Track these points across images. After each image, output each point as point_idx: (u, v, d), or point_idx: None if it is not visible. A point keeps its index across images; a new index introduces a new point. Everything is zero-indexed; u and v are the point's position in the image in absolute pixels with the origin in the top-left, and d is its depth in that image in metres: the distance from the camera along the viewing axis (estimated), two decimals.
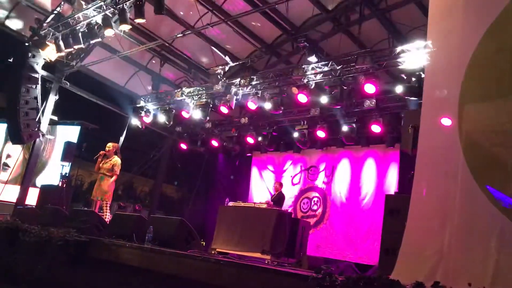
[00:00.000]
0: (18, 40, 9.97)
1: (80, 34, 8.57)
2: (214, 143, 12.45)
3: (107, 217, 8.22)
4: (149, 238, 5.88)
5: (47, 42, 9.27)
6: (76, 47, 8.85)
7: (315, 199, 11.43)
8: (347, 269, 9.61)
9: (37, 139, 10.24)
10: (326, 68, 8.53)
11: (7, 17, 10.04)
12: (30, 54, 9.30)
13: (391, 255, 4.45)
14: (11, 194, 11.16)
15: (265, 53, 10.41)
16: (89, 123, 12.13)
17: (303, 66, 8.83)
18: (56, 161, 11.31)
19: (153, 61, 11.49)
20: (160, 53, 11.10)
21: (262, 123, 11.51)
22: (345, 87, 8.56)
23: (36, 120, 9.66)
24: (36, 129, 9.71)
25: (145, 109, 11.54)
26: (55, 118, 11.62)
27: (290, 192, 11.75)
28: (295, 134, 10.85)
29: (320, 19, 9.23)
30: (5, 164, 12.39)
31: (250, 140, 11.63)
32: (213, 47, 10.23)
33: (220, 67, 10.07)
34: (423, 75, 6.04)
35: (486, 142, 3.87)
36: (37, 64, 9.45)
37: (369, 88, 8.13)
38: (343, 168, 11.14)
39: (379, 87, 8.14)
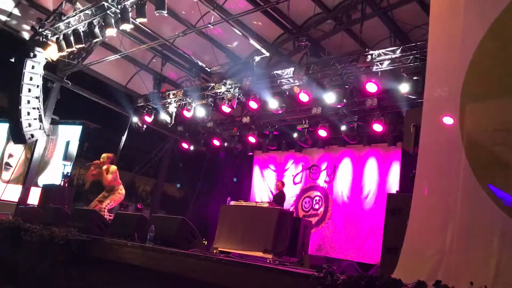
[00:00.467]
0: (20, 40, 9.99)
1: (81, 34, 8.58)
2: (216, 142, 12.46)
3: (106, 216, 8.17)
4: (151, 238, 5.88)
5: (48, 42, 9.29)
6: (77, 46, 8.86)
7: (317, 198, 11.42)
8: (349, 268, 9.61)
9: (39, 139, 10.25)
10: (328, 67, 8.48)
11: (9, 16, 10.06)
12: (31, 53, 9.30)
13: (393, 254, 4.44)
14: (13, 193, 11.19)
15: (267, 52, 10.39)
16: (91, 122, 12.14)
17: (304, 65, 8.82)
18: (58, 160, 11.33)
19: (154, 60, 11.49)
20: (162, 52, 11.10)
21: (263, 122, 11.51)
22: (346, 86, 8.55)
23: (38, 119, 9.67)
24: (38, 128, 9.71)
25: (146, 109, 11.54)
26: (57, 117, 11.65)
27: (291, 191, 11.76)
28: (297, 133, 10.85)
29: (322, 18, 9.22)
30: (7, 164, 12.42)
31: (251, 139, 11.63)
32: (215, 46, 10.24)
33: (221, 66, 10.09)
34: (424, 74, 6.02)
35: (488, 141, 3.86)
36: (38, 64, 9.45)
37: (371, 87, 8.12)
38: (345, 167, 11.13)
39: (380, 86, 8.14)
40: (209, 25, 8.83)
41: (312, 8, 8.94)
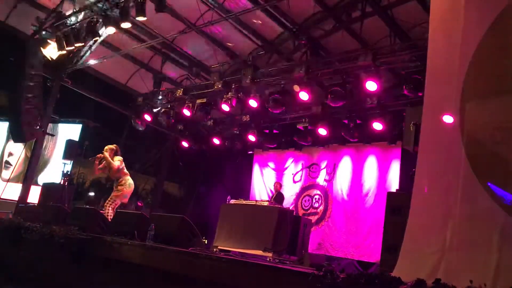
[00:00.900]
0: (20, 39, 9.97)
1: (81, 32, 8.58)
2: (216, 141, 12.45)
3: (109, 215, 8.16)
4: (151, 236, 5.89)
5: (48, 41, 9.28)
6: (77, 45, 8.85)
7: (317, 196, 11.43)
8: (349, 267, 9.63)
9: (39, 138, 10.25)
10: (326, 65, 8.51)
11: (9, 15, 10.04)
12: (31, 52, 9.29)
13: (393, 252, 4.46)
14: (13, 192, 11.20)
15: (267, 50, 10.39)
16: (91, 121, 12.15)
17: (304, 63, 8.80)
18: (58, 159, 11.35)
19: (154, 59, 11.48)
20: (161, 51, 11.09)
21: (263, 121, 11.51)
22: (347, 85, 8.54)
23: (38, 118, 9.67)
24: (38, 127, 9.72)
25: (146, 107, 11.54)
26: (57, 116, 11.65)
27: (291, 190, 11.77)
28: (297, 132, 10.85)
29: (322, 16, 9.20)
30: (7, 162, 12.43)
31: (251, 138, 11.62)
32: (214, 45, 10.23)
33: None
34: (424, 72, 6.02)
35: (488, 139, 3.87)
36: (38, 63, 9.45)
37: (371, 86, 8.11)
38: (345, 166, 11.13)
39: (380, 84, 8.13)
40: (209, 24, 8.83)
41: (312, 7, 8.93)
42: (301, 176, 11.99)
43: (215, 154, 13.38)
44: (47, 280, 6.30)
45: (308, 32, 9.38)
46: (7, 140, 12.15)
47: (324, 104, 9.57)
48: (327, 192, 11.25)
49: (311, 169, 11.80)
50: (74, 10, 8.83)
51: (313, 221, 10.63)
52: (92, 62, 10.64)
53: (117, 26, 8.09)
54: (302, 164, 12.05)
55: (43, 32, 9.30)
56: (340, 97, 8.56)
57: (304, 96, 8.97)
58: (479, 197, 3.74)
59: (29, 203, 10.06)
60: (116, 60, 10.95)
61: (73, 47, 8.99)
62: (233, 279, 4.41)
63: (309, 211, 11.38)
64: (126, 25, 7.95)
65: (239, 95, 9.96)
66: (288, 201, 11.10)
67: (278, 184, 10.05)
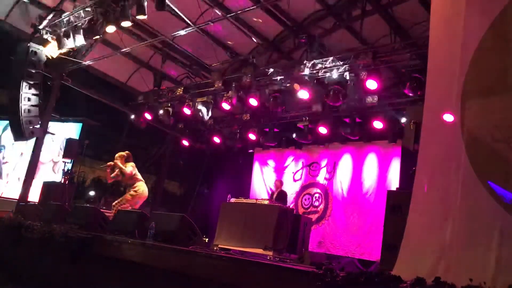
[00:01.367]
0: (20, 37, 9.97)
1: (81, 31, 8.57)
2: (216, 139, 12.45)
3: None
4: (151, 234, 5.90)
5: (48, 39, 9.27)
6: (77, 44, 8.84)
7: (317, 195, 11.44)
8: (349, 265, 9.62)
9: (39, 136, 10.25)
10: (328, 64, 8.51)
11: (9, 13, 10.04)
12: (31, 51, 9.29)
13: (393, 251, 4.45)
14: (13, 191, 11.22)
15: (267, 49, 10.38)
16: (91, 120, 12.16)
17: (304, 62, 8.80)
18: (58, 158, 11.37)
19: (155, 58, 11.48)
20: (162, 50, 11.09)
21: (264, 119, 11.50)
22: (347, 83, 8.54)
23: (38, 117, 9.67)
24: (38, 126, 9.72)
25: (146, 106, 11.54)
26: (57, 115, 11.66)
27: (291, 189, 11.77)
28: (297, 131, 10.85)
29: (322, 15, 9.20)
30: (7, 161, 12.46)
31: (252, 136, 11.62)
32: (214, 43, 10.22)
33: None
34: (425, 71, 6.02)
35: (488, 138, 3.86)
36: (38, 61, 9.44)
37: (371, 84, 8.11)
38: (345, 164, 11.14)
39: (381, 83, 8.13)
40: (210, 23, 8.82)
41: (313, 5, 8.92)
42: (301, 174, 12.00)
43: (215, 152, 13.39)
44: (47, 278, 6.31)
45: (308, 31, 9.37)
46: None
47: (324, 102, 9.56)
48: (327, 191, 11.25)
49: (311, 168, 11.81)
50: (75, 9, 8.82)
51: (313, 219, 10.63)
52: (92, 61, 10.64)
53: (118, 25, 8.07)
54: (302, 162, 12.05)
55: (44, 31, 9.29)
56: (340, 96, 8.55)
57: (304, 94, 8.97)
58: (479, 196, 3.74)
59: (29, 201, 10.07)
60: (117, 59, 10.94)
61: (73, 46, 8.98)
62: (234, 278, 4.42)
63: (309, 210, 11.39)
64: (126, 23, 7.94)
65: (239, 93, 9.96)
66: (288, 199, 11.10)
67: (279, 182, 10.02)
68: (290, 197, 11.52)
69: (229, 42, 10.49)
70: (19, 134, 9.59)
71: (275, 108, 9.68)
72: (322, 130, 10.24)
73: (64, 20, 8.97)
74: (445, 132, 4.27)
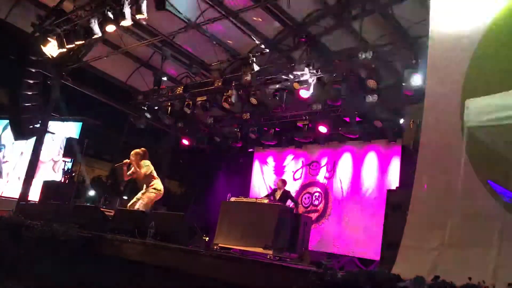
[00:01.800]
0: (20, 37, 9.97)
1: (81, 30, 8.57)
2: (216, 138, 12.46)
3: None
4: (151, 234, 5.90)
5: (48, 38, 9.26)
6: (77, 43, 8.84)
7: (317, 194, 11.45)
8: (349, 264, 9.64)
9: (39, 135, 10.26)
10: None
11: (9, 13, 10.04)
12: (31, 50, 9.29)
13: (393, 249, 4.45)
14: (13, 190, 11.22)
15: (267, 48, 10.38)
16: (91, 119, 12.15)
17: (304, 61, 8.81)
18: (59, 157, 11.36)
19: (155, 57, 11.47)
20: (162, 49, 11.08)
21: (264, 118, 11.51)
22: (347, 82, 8.54)
23: (38, 116, 9.68)
24: (38, 125, 9.72)
25: (146, 105, 11.54)
26: (57, 114, 11.65)
27: (291, 188, 11.75)
28: (297, 130, 10.85)
29: (322, 14, 9.19)
30: (7, 160, 12.45)
31: (252, 135, 11.63)
32: (214, 43, 10.22)
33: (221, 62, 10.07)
34: (425, 70, 6.03)
35: (488, 137, 3.87)
36: (38, 60, 9.44)
37: (371, 83, 8.12)
38: (345, 163, 11.15)
39: (380, 82, 8.13)
40: (209, 22, 8.81)
41: (312, 4, 8.92)
42: (301, 173, 12.01)
43: (215, 151, 13.39)
44: (48, 277, 6.32)
45: (308, 30, 9.37)
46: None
47: (324, 101, 9.57)
48: (327, 190, 11.26)
49: (311, 167, 11.82)
50: (74, 8, 8.82)
51: (313, 218, 10.64)
52: (92, 60, 10.63)
53: (117, 24, 8.07)
54: (302, 161, 12.06)
55: (43, 30, 9.29)
56: (340, 95, 8.56)
57: (304, 93, 8.97)
58: (479, 195, 3.75)
59: (30, 201, 10.08)
60: (116, 58, 10.94)
61: (73, 45, 8.98)
62: (233, 277, 4.42)
63: (309, 209, 11.40)
64: (126, 23, 7.95)
65: (239, 92, 9.96)
66: None
67: (281, 182, 9.94)
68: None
69: (229, 41, 10.48)
70: (19, 133, 9.61)
71: (275, 107, 9.68)
72: (322, 129, 10.25)
73: (64, 19, 8.97)
74: (445, 132, 4.28)
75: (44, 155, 11.40)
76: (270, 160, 12.78)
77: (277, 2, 8.63)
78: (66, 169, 9.97)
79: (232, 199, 9.01)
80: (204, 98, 10.55)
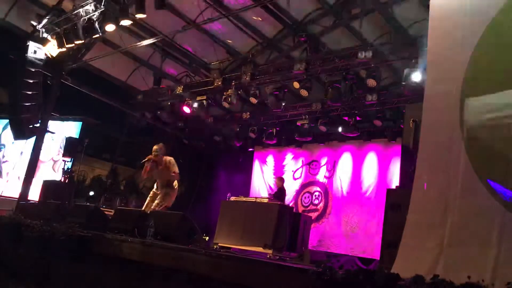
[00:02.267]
0: (20, 36, 9.95)
1: (81, 30, 8.56)
2: (216, 138, 12.46)
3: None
4: (151, 233, 5.91)
5: (48, 38, 9.26)
6: (77, 42, 8.84)
7: (317, 193, 11.45)
8: (349, 263, 9.65)
9: (39, 135, 10.25)
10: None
11: (9, 12, 10.03)
12: (31, 49, 9.28)
13: (393, 248, 4.46)
14: (13, 189, 11.21)
15: (266, 47, 10.38)
16: (91, 118, 12.15)
17: (304, 60, 8.81)
18: (58, 156, 11.36)
19: (154, 57, 11.46)
20: (161, 48, 11.08)
21: (263, 118, 11.51)
22: (346, 82, 8.55)
23: (38, 115, 9.67)
24: (38, 124, 9.71)
25: (146, 104, 11.53)
26: (57, 113, 11.64)
27: (291, 187, 11.77)
28: (297, 129, 10.85)
29: (321, 13, 9.19)
30: (7, 160, 12.44)
31: (251, 135, 11.63)
32: (214, 42, 10.22)
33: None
34: (425, 69, 6.03)
35: (488, 136, 3.87)
36: (38, 60, 9.43)
37: (371, 83, 8.12)
38: (345, 163, 11.15)
39: (380, 81, 8.14)
40: (209, 21, 8.81)
41: (312, 4, 8.92)
42: (301, 173, 12.00)
43: (215, 151, 13.39)
44: (48, 277, 6.32)
45: (308, 29, 9.37)
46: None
47: (324, 101, 9.57)
48: (327, 189, 11.26)
49: (311, 166, 11.82)
50: (74, 7, 8.81)
51: (313, 217, 10.65)
52: (92, 59, 10.63)
53: (117, 23, 8.07)
54: (302, 161, 12.06)
55: (43, 30, 9.28)
56: (340, 94, 8.56)
57: (304, 93, 8.98)
58: (479, 194, 3.75)
59: (29, 200, 10.07)
60: (116, 58, 10.93)
61: (73, 45, 8.96)
62: (233, 276, 4.42)
63: (309, 208, 11.40)
64: (125, 22, 7.94)
65: (239, 92, 9.96)
66: (288, 198, 11.11)
67: (279, 180, 9.98)
68: (290, 195, 11.52)
69: (228, 41, 10.48)
70: (19, 133, 9.60)
71: (275, 107, 9.68)
72: (322, 128, 10.25)
73: (64, 18, 8.96)
74: (444, 131, 4.28)
75: (44, 154, 11.39)
76: (270, 160, 12.77)
77: (277, 1, 8.63)
78: (66, 169, 9.95)
79: (232, 198, 9.02)
80: (204, 97, 10.54)
